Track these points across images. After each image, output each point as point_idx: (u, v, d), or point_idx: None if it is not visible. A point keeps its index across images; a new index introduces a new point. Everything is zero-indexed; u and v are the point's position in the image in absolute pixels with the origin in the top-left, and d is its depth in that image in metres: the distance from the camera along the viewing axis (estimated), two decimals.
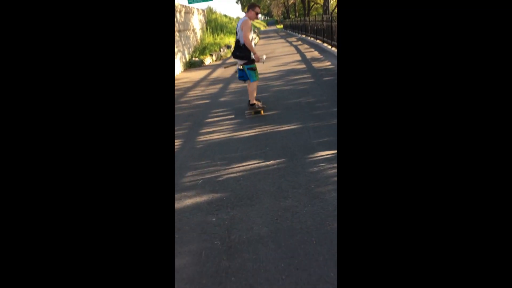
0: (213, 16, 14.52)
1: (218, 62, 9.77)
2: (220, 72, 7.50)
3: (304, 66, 6.68)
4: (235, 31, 14.90)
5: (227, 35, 13.08)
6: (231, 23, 17.13)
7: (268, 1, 45.04)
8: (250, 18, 3.24)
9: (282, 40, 15.36)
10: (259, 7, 3.28)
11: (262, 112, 3.61)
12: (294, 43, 12.71)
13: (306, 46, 11.04)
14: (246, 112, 3.72)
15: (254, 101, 3.60)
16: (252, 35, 3.27)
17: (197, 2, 26.90)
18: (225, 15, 24.32)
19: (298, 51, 9.69)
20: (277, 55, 9.25)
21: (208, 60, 9.76)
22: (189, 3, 27.41)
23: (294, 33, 19.67)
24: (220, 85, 5.84)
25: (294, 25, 20.39)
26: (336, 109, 3.37)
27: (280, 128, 3.14)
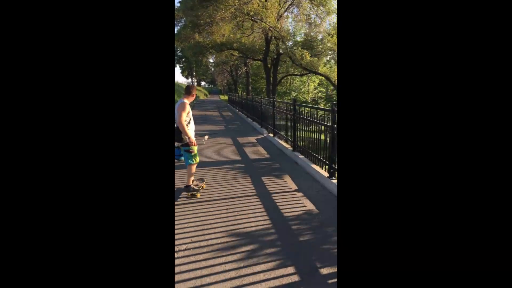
0: None
1: None
2: None
3: None
4: None
5: None
6: None
7: (212, 68, 38.38)
8: (188, 100, 3.23)
9: (229, 142, 6.40)
10: (195, 88, 3.36)
11: (198, 194, 3.29)
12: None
13: None
14: (182, 193, 3.33)
15: (190, 183, 3.31)
16: (190, 117, 3.22)
17: None
18: None
19: None
20: None
21: None
22: None
23: (248, 120, 11.06)
24: None
25: (252, 106, 11.01)
26: None
27: None
